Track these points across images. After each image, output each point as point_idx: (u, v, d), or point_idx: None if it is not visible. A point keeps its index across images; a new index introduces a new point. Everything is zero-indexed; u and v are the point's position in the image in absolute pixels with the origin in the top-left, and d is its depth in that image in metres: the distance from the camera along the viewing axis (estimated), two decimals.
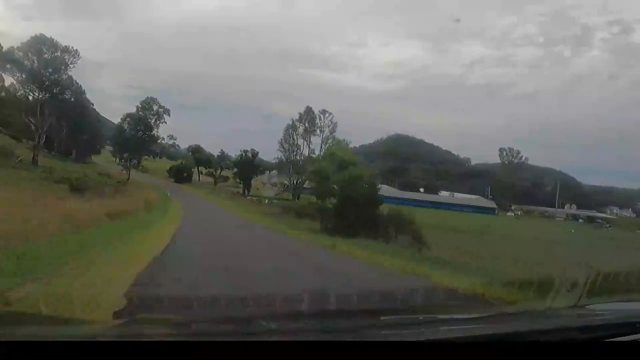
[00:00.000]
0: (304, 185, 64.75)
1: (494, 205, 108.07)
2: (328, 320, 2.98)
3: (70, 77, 66.26)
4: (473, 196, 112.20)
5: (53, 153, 70.76)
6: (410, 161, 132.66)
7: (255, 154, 68.07)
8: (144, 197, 31.91)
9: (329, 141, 63.95)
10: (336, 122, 63.89)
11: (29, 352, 1.58)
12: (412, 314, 3.39)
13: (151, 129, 60.00)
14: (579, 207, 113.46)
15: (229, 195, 60.93)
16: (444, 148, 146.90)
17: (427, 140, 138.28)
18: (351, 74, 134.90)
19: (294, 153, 63.49)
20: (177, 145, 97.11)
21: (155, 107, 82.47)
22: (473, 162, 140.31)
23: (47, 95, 63.63)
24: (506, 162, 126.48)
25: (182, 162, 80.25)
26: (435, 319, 3.05)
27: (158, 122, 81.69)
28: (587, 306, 3.15)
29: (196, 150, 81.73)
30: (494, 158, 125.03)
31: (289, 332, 2.32)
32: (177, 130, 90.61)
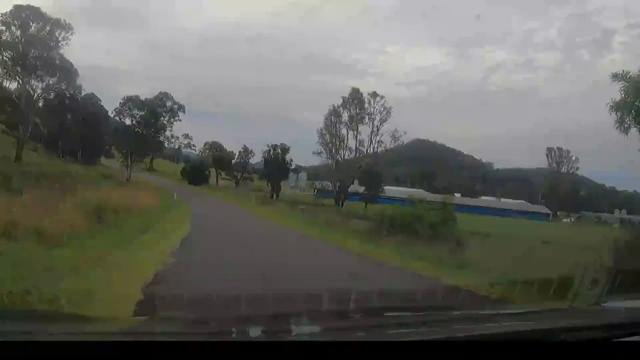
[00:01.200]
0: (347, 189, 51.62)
1: (548, 211, 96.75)
2: (330, 320, 2.96)
3: (62, 57, 54.01)
4: (517, 201, 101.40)
5: (57, 153, 60.79)
6: (432, 166, 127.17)
7: (286, 149, 54.97)
8: (116, 202, 18.92)
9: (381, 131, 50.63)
10: (390, 107, 50.52)
11: (45, 352, 1.54)
12: (422, 313, 3.29)
13: (157, 117, 47.17)
14: (609, 211, 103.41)
15: (259, 199, 47.67)
16: (465, 152, 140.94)
17: (449, 145, 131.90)
18: (373, 81, 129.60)
19: (337, 146, 50.15)
20: (193, 146, 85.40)
21: (168, 103, 71.75)
22: (495, 167, 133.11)
23: (32, 76, 51.85)
24: (554, 164, 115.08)
25: (197, 161, 67.47)
26: (450, 318, 2.97)
27: (172, 119, 70.33)
28: (607, 304, 3.26)
29: (214, 147, 69.04)
30: (516, 163, 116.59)
31: (294, 333, 2.35)
32: (197, 139, 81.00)
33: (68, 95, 54.49)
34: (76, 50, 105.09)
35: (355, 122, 49.99)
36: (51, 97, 53.72)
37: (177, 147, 77.98)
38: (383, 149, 52.37)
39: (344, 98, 51.13)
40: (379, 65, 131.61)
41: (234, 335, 2.13)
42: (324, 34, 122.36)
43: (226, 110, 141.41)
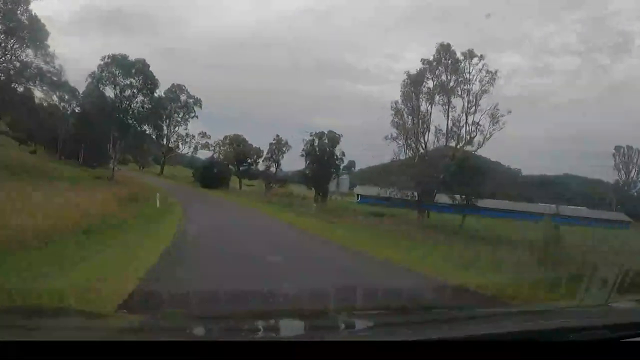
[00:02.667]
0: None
1: (627, 219, 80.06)
2: (329, 319, 2.84)
3: (31, 16, 39.50)
4: (579, 208, 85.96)
5: (58, 156, 51.04)
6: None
7: (335, 139, 38.59)
8: None
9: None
10: (495, 72, 33.83)
11: (36, 352, 1.49)
12: (425, 312, 3.24)
13: (154, 87, 31.36)
14: None
15: (300, 207, 30.95)
16: (492, 159, 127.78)
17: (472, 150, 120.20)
18: (388, 86, 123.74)
19: (419, 129, 33.58)
20: (212, 146, 70.86)
21: (183, 97, 59.01)
22: (523, 173, 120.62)
23: None
24: (621, 165, 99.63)
25: (213, 159, 51.42)
26: (455, 317, 2.86)
27: (187, 116, 59.85)
28: (616, 304, 3.23)
29: (236, 141, 53.36)
30: (538, 169, 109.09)
31: (291, 332, 2.32)
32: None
33: (69, 90, 40.79)
34: (89, 55, 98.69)
35: (446, 92, 33.35)
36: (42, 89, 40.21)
37: (193, 147, 63.28)
38: (481, 134, 35.36)
39: (423, 61, 34.54)
40: (393, 70, 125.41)
41: (232, 335, 2.06)
42: (338, 40, 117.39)
43: (236, 115, 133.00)
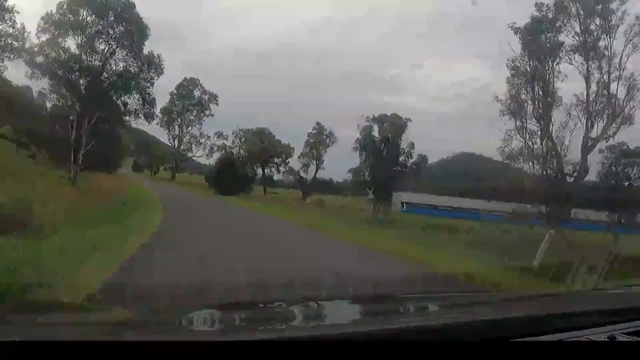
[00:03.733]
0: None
1: None
2: (325, 315, 2.70)
3: None
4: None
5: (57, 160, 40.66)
6: (483, 179, 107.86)
7: (401, 126, 26.81)
8: None
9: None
10: None
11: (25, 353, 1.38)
12: (415, 298, 3.12)
13: (143, 36, 20.26)
14: None
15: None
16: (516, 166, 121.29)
17: (495, 158, 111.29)
18: (413, 96, 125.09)
19: (544, 102, 21.63)
20: (230, 147, 60.61)
21: (197, 93, 51.39)
22: None
23: None
24: None
25: (230, 158, 40.26)
26: (444, 304, 2.77)
27: (202, 115, 52.55)
28: (605, 290, 3.29)
29: (260, 136, 42.52)
30: None
31: (282, 328, 2.16)
32: None
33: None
34: None
35: (587, 46, 21.40)
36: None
37: (208, 149, 53.45)
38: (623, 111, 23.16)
39: (539, 5, 22.55)
40: (418, 80, 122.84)
41: (234, 334, 1.95)
42: (362, 50, 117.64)
43: (262, 125, 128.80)
